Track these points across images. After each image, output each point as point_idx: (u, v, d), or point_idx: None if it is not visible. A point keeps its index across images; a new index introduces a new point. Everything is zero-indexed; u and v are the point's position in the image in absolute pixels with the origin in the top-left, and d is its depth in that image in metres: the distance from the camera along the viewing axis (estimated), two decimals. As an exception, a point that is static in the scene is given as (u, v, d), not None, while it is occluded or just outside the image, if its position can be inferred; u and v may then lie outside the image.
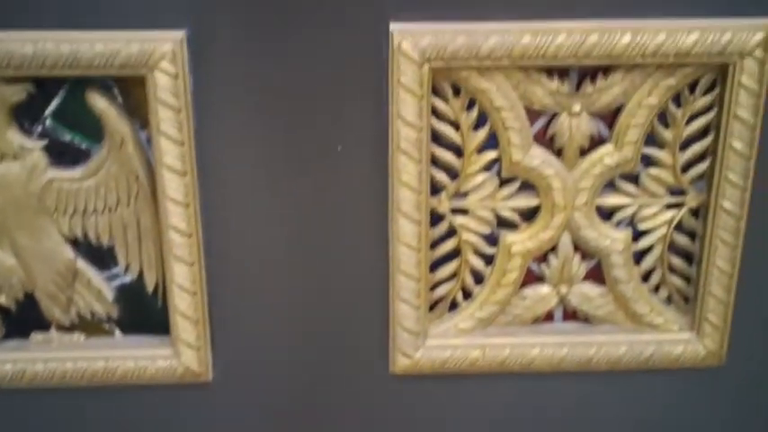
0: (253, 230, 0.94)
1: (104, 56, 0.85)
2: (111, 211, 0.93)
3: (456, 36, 0.87)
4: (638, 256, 1.00)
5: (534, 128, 0.93)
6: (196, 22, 0.86)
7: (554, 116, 0.93)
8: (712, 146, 0.94)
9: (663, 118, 0.93)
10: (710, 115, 0.93)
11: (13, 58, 0.85)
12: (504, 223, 0.97)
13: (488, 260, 0.99)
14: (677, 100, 0.93)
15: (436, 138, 0.93)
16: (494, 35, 0.87)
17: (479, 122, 0.92)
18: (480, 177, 0.95)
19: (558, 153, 0.94)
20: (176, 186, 0.90)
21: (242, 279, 0.96)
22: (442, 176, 0.94)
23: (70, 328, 0.99)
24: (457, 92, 0.91)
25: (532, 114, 0.92)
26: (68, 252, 0.95)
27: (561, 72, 0.90)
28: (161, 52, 0.85)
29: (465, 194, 0.95)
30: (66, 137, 0.91)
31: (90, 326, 0.99)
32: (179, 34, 0.86)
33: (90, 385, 1.00)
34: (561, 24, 0.87)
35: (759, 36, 0.88)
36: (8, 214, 0.93)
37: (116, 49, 0.85)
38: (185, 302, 0.95)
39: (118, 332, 1.00)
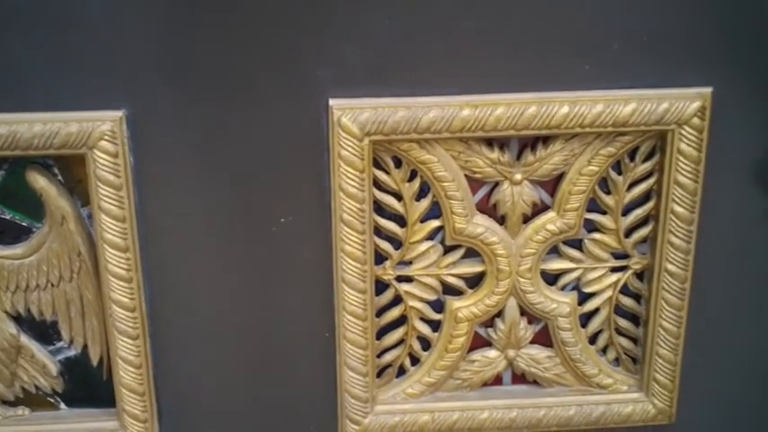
0: (197, 303, 0.94)
1: (43, 136, 0.85)
2: (53, 287, 0.93)
3: (396, 110, 0.87)
4: (585, 319, 1.00)
5: (477, 196, 0.94)
6: (135, 101, 0.86)
7: (496, 184, 0.93)
8: (654, 211, 0.95)
9: (604, 184, 0.94)
10: (651, 181, 0.94)
11: (-48, 139, 0.85)
12: (449, 289, 0.97)
13: (435, 326, 0.99)
14: (618, 167, 0.93)
15: (379, 208, 0.93)
16: (433, 108, 0.87)
17: (422, 192, 0.93)
18: (424, 246, 0.95)
19: (502, 220, 0.95)
20: (118, 261, 0.90)
21: (187, 350, 0.96)
22: (386, 246, 0.94)
23: (14, 403, 0.98)
24: (398, 163, 0.91)
25: (475, 183, 0.93)
26: (11, 327, 0.94)
27: (501, 142, 0.91)
28: (100, 131, 0.85)
29: (409, 263, 0.96)
30: (7, 215, 0.91)
31: (35, 399, 0.98)
32: (117, 113, 0.86)
33: (36, 459, 0.99)
34: (500, 97, 0.88)
35: (696, 104, 0.89)
36: (-50, 291, 0.92)
37: (54, 130, 0.85)
38: (130, 375, 0.94)
39: (63, 405, 0.99)
